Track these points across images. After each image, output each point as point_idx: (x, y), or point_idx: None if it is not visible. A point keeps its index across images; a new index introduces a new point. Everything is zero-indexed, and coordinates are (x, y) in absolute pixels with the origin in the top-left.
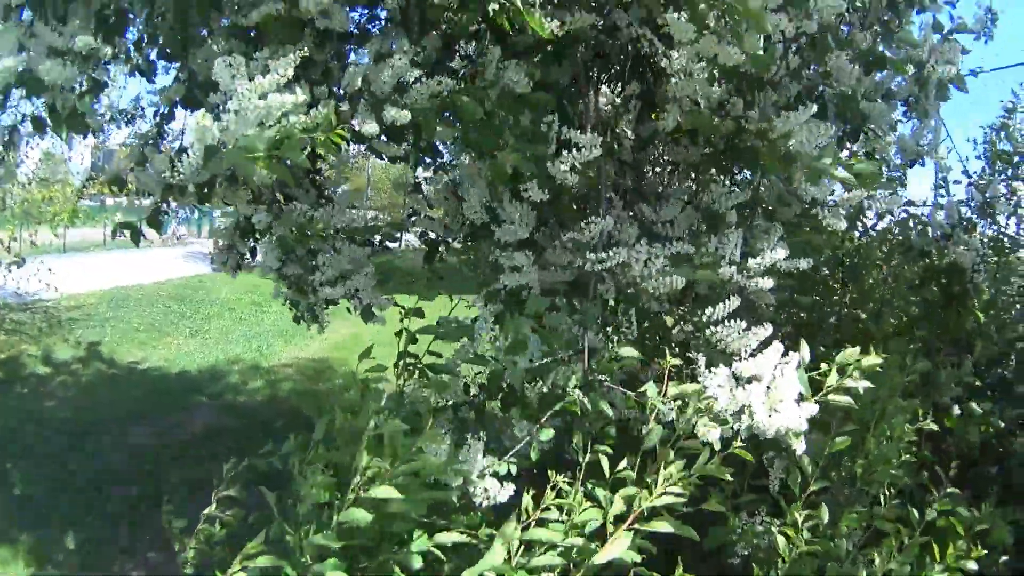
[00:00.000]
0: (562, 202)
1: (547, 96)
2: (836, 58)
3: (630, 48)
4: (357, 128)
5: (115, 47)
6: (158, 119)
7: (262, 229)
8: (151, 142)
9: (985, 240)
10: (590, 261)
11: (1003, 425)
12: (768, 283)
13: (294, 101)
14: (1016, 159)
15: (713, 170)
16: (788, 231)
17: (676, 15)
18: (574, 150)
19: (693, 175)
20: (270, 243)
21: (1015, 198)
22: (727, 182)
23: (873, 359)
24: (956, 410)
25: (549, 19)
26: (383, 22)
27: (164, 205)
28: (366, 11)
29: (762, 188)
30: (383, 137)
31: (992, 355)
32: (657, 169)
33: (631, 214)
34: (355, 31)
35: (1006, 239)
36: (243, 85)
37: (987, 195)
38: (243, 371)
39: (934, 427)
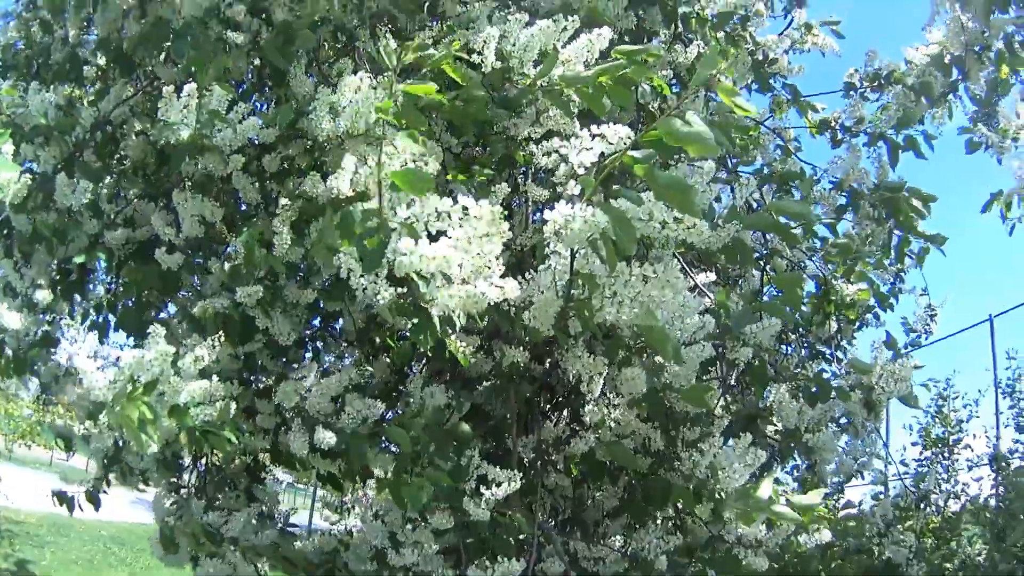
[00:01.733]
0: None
1: (470, 431)
2: (777, 391)
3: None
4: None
5: (73, 305)
6: None
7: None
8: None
9: (924, 528)
10: None
11: None
12: None
13: (206, 389)
14: (952, 442)
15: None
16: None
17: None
18: (493, 486)
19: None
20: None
21: (952, 480)
22: (657, 524)
23: None
24: None
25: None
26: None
27: None
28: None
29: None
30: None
31: None
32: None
33: (566, 547)
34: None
35: (947, 526)
36: (151, 353)
37: (924, 486)
38: None
39: None
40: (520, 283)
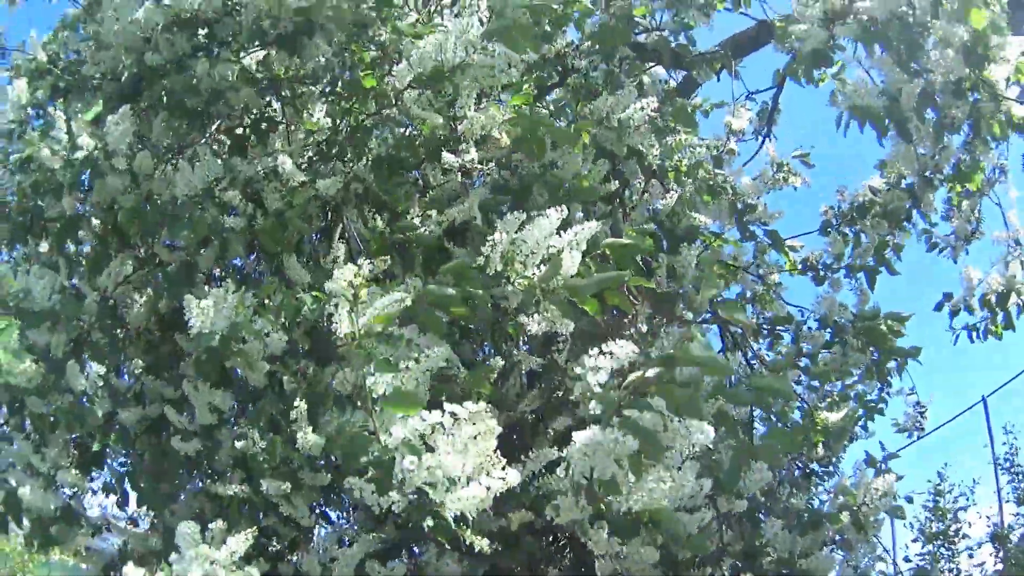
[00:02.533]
0: None
1: None
2: (771, 526)
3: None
4: None
5: (92, 479)
6: None
7: None
8: None
9: None
10: None
11: None
12: None
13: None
14: (951, 534)
15: None
16: None
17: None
18: None
19: None
20: None
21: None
22: None
23: None
24: None
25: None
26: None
27: None
28: None
29: None
30: None
31: None
32: None
33: None
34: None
35: None
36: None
37: None
38: None
39: None
40: (524, 460)
